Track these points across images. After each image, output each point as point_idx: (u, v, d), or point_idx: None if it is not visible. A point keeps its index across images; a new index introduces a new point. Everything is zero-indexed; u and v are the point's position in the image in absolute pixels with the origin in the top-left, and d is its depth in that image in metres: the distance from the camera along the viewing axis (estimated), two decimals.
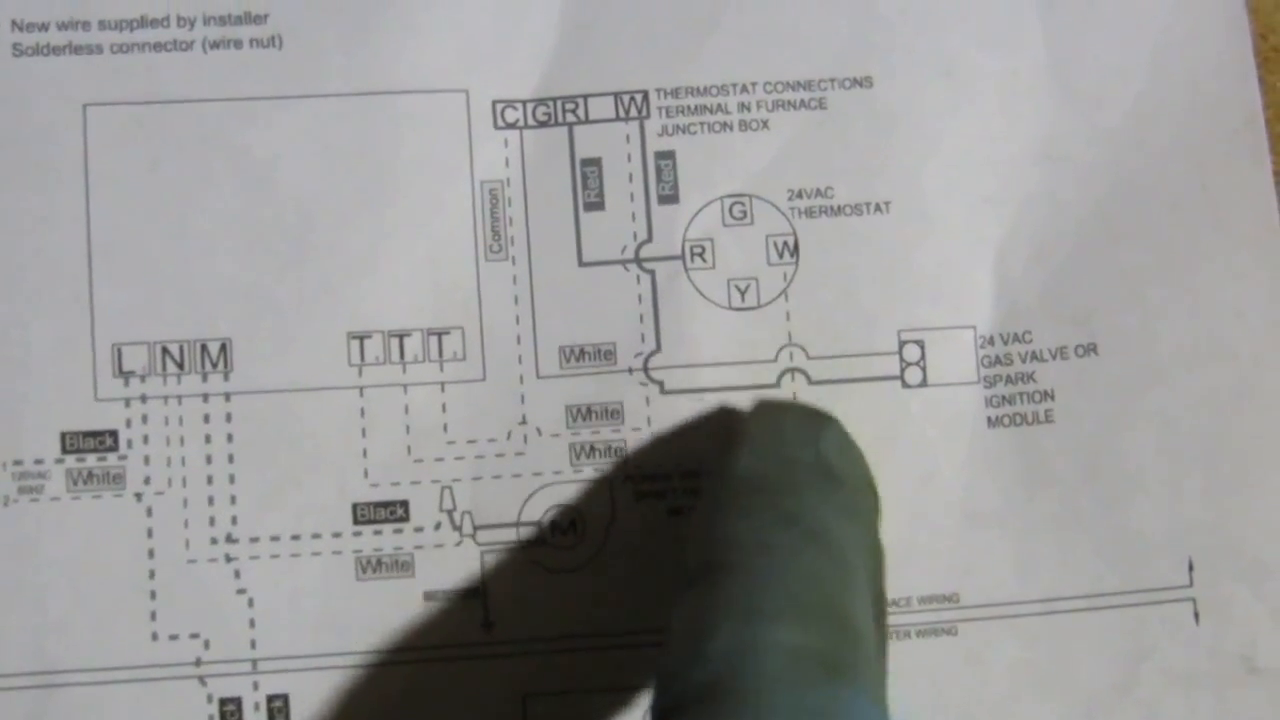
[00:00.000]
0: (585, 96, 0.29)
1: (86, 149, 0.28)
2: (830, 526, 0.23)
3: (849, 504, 0.24)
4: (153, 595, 0.27)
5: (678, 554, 0.26)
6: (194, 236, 0.28)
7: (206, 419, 0.28)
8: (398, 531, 0.28)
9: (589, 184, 0.29)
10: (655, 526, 0.28)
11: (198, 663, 0.27)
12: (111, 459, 0.27)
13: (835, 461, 0.25)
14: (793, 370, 0.28)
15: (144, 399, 0.28)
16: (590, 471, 0.28)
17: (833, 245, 0.29)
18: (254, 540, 0.28)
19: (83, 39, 0.28)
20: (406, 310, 0.28)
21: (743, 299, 0.29)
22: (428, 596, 0.28)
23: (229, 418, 0.28)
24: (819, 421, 0.26)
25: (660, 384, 0.28)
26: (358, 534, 0.28)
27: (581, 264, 0.28)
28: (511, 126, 0.29)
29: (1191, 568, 0.28)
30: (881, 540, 0.25)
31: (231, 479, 0.28)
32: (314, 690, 0.27)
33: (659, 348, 0.28)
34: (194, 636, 0.27)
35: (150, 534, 0.27)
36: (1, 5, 0.28)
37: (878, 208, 0.29)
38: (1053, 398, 0.29)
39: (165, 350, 0.28)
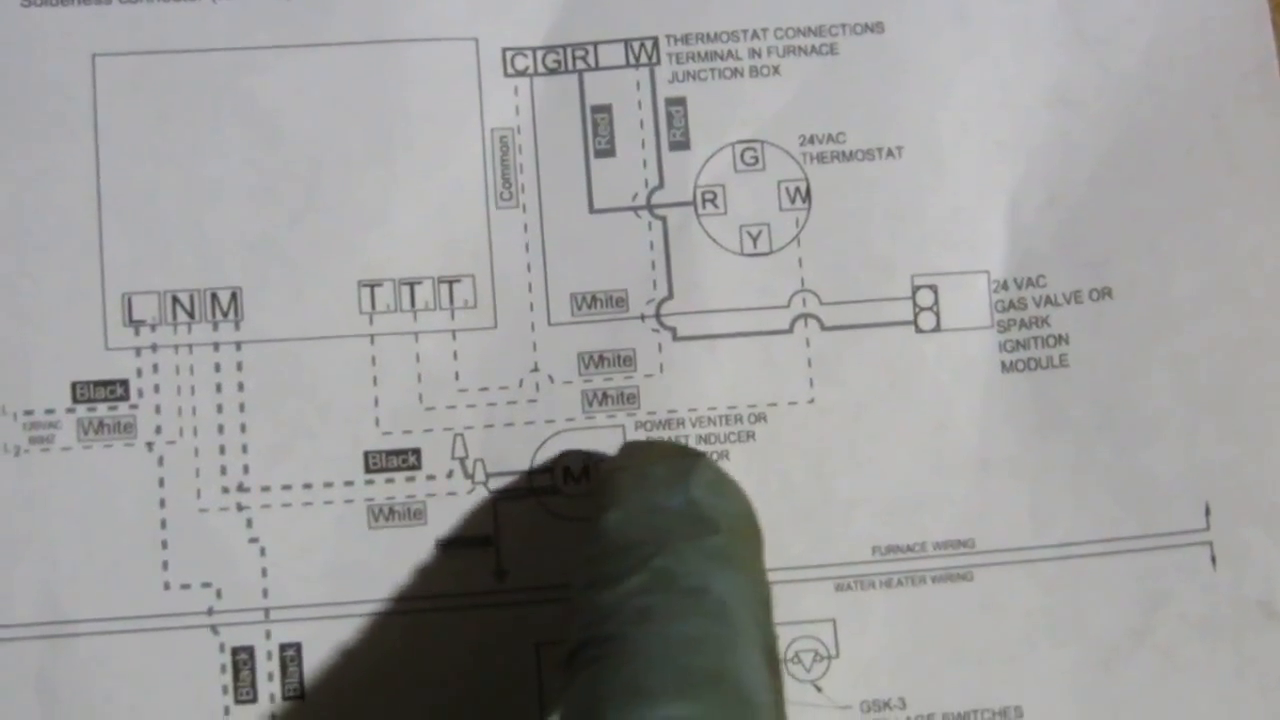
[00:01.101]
0: (595, 43, 0.29)
1: (95, 99, 0.28)
2: (709, 580, 0.23)
3: (726, 550, 0.24)
4: (164, 545, 0.27)
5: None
6: (204, 186, 0.28)
7: (217, 368, 0.28)
8: (410, 480, 0.28)
9: (599, 131, 0.28)
10: None
11: (210, 612, 0.27)
12: (122, 408, 0.27)
13: (707, 504, 0.24)
14: (805, 316, 0.28)
15: (154, 348, 0.28)
16: (603, 419, 0.28)
17: (845, 191, 0.29)
18: (265, 489, 0.27)
19: None
20: (417, 258, 0.28)
21: (755, 245, 0.28)
22: (440, 545, 0.28)
23: (240, 366, 0.28)
24: (687, 462, 0.25)
25: (673, 330, 0.28)
26: (369, 482, 0.28)
27: (592, 211, 0.28)
28: (521, 74, 0.29)
29: (1208, 512, 0.28)
30: (766, 578, 0.25)
31: (243, 428, 0.28)
32: (326, 639, 0.27)
33: (671, 294, 0.28)
34: (206, 586, 0.27)
35: (161, 483, 0.27)
36: None
37: (890, 153, 0.29)
38: (1067, 342, 0.28)
39: (175, 299, 0.28)
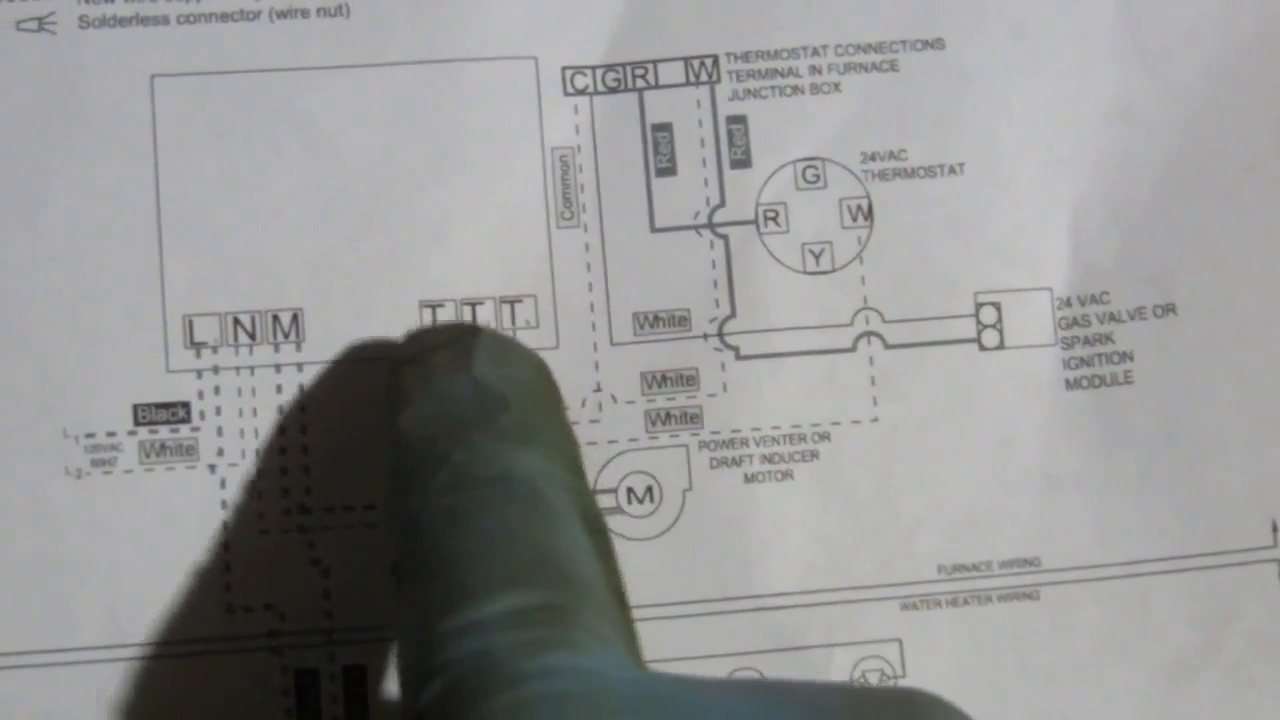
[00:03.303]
0: (655, 62, 0.29)
1: (154, 120, 0.28)
2: (510, 463, 0.23)
3: (522, 424, 0.23)
4: (227, 567, 0.27)
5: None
6: (263, 206, 0.28)
7: (279, 389, 0.28)
8: None
9: (660, 149, 0.28)
10: (731, 494, 0.28)
11: (273, 634, 0.27)
12: (184, 430, 0.27)
13: (493, 380, 0.24)
14: (869, 334, 0.28)
15: (216, 370, 0.27)
16: (666, 438, 0.28)
17: (907, 208, 0.28)
18: (328, 510, 0.27)
19: (149, 10, 0.28)
20: (478, 279, 0.28)
21: (817, 263, 0.28)
22: None
23: (301, 388, 0.28)
24: (466, 342, 0.25)
25: (735, 349, 0.28)
26: None
27: (654, 230, 0.28)
28: (581, 93, 0.28)
29: (1275, 528, 0.28)
30: (573, 435, 0.24)
31: (304, 449, 0.27)
32: (390, 661, 0.27)
33: (734, 313, 0.28)
34: (268, 608, 0.27)
35: (224, 505, 0.27)
36: None
37: (951, 170, 0.29)
38: (1131, 359, 0.28)
39: (236, 321, 0.28)
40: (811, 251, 0.28)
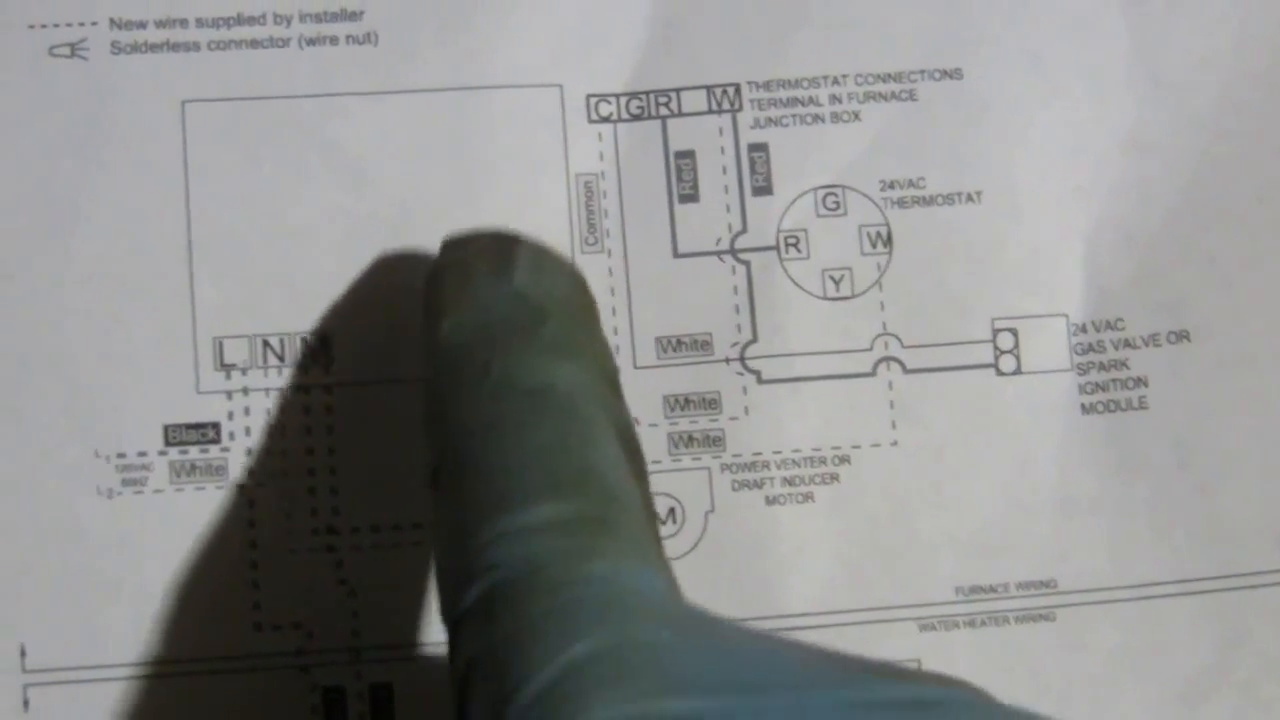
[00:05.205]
0: (678, 90, 0.29)
1: (185, 145, 0.28)
2: (552, 375, 0.22)
3: (562, 337, 0.23)
4: (255, 586, 0.27)
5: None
6: (292, 231, 0.28)
7: (307, 410, 0.28)
8: None
9: (683, 176, 0.29)
10: (753, 515, 0.28)
11: (300, 653, 0.27)
12: (214, 451, 0.28)
13: (534, 291, 0.24)
14: (887, 359, 0.29)
15: (245, 391, 0.28)
16: (688, 461, 0.28)
17: (925, 235, 0.29)
18: (355, 531, 0.28)
19: (180, 36, 0.28)
20: None
21: (837, 289, 0.29)
22: None
23: (330, 409, 0.28)
24: (505, 251, 0.24)
25: (757, 374, 0.29)
26: None
27: (676, 255, 0.29)
28: (605, 120, 0.29)
29: None
30: (609, 350, 0.24)
31: (333, 470, 0.28)
32: (417, 680, 0.27)
33: (755, 338, 0.29)
34: (296, 627, 0.27)
35: (252, 525, 0.28)
36: (100, 3, 0.28)
37: (969, 198, 0.29)
38: (1146, 384, 0.29)
39: (266, 343, 0.28)
40: (831, 277, 0.29)
